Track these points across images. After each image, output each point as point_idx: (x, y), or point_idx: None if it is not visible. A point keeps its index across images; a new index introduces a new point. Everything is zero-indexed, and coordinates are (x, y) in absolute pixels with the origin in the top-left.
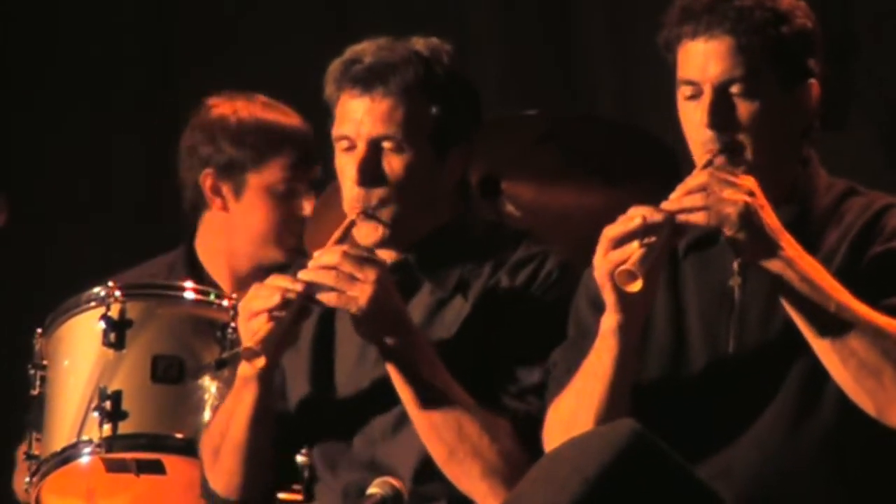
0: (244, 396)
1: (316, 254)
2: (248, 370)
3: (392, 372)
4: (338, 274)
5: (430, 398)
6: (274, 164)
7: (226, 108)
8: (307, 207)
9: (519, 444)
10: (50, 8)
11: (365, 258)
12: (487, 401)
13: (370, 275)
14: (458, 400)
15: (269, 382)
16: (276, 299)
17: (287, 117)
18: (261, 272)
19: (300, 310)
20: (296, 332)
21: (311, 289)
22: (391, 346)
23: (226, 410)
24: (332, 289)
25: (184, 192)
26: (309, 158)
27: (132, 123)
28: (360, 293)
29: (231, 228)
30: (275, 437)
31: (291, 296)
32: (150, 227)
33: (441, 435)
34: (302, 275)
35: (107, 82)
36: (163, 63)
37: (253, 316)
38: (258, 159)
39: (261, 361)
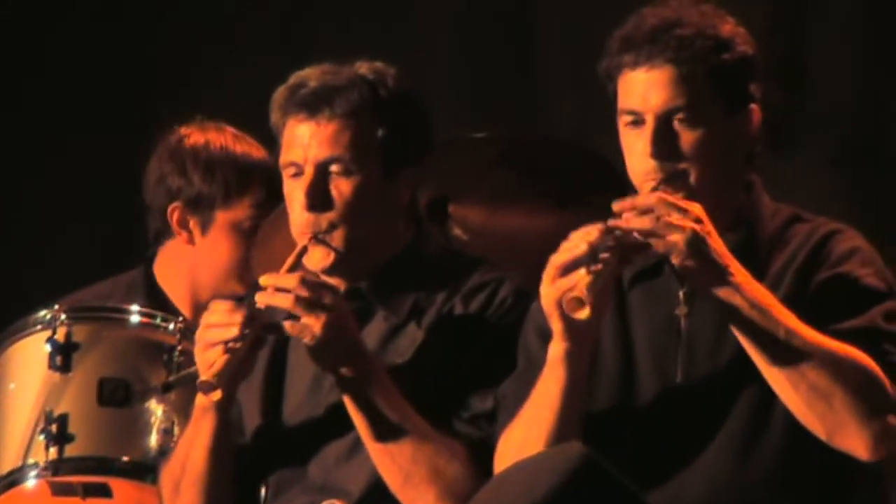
0: (203, 427)
1: (270, 280)
2: (205, 400)
3: (347, 399)
4: (294, 301)
5: (384, 424)
6: (243, 201)
7: (197, 138)
8: None
9: (473, 470)
10: (34, 25)
11: (320, 285)
12: (441, 426)
13: (326, 302)
14: (413, 425)
15: (227, 412)
16: (232, 331)
17: (257, 151)
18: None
19: (255, 340)
20: (251, 361)
21: (265, 318)
22: (346, 374)
23: (185, 442)
24: (287, 316)
25: (149, 217)
26: (276, 194)
27: (107, 145)
28: (316, 321)
29: (195, 260)
30: (235, 471)
31: (245, 326)
32: (123, 242)
33: (396, 460)
34: (258, 300)
35: (80, 106)
36: (136, 85)
37: (208, 347)
38: (228, 196)
39: (217, 394)
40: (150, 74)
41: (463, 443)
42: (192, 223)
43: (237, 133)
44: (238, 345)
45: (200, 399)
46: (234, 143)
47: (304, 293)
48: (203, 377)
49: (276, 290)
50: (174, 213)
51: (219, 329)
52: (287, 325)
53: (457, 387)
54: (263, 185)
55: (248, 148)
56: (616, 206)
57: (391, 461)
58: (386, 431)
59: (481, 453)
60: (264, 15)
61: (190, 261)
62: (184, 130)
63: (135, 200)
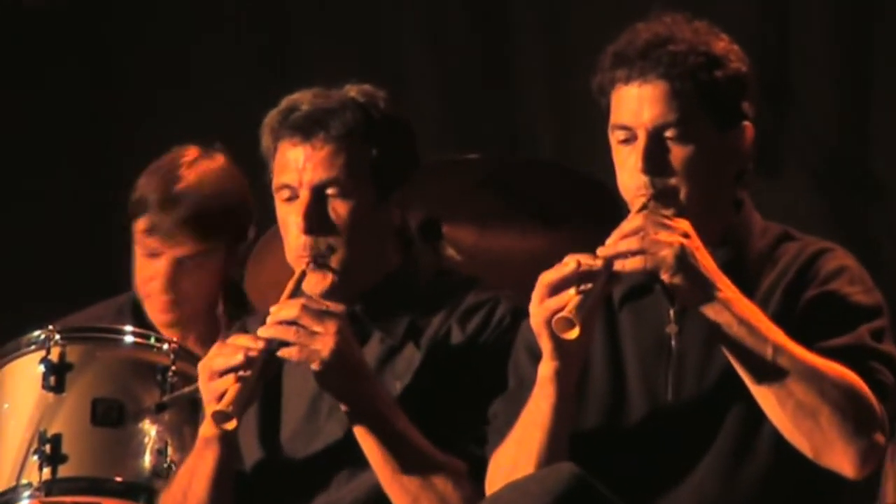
0: (206, 456)
1: (273, 309)
2: (210, 430)
3: (354, 423)
4: (298, 329)
5: (392, 447)
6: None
7: (191, 176)
8: None
9: (480, 492)
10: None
11: (324, 311)
12: (443, 448)
13: (331, 327)
14: (419, 447)
15: (231, 442)
16: (238, 358)
17: (245, 189)
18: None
19: (263, 367)
20: (258, 390)
21: (272, 345)
22: (353, 397)
23: (187, 471)
24: (293, 343)
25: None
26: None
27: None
28: (323, 346)
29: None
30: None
31: (254, 354)
32: (93, 271)
33: (405, 484)
34: (262, 332)
35: (52, 133)
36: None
37: (215, 376)
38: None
39: (232, 424)
40: (111, 115)
41: (468, 462)
42: None
43: (226, 172)
44: (248, 372)
45: (205, 429)
46: (231, 182)
47: (306, 322)
48: (218, 407)
49: (280, 321)
50: None
51: (225, 357)
52: (294, 350)
53: (459, 408)
54: (251, 224)
55: (239, 186)
56: (607, 242)
57: (399, 484)
58: (394, 455)
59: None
60: (241, 51)
61: None
62: (183, 161)
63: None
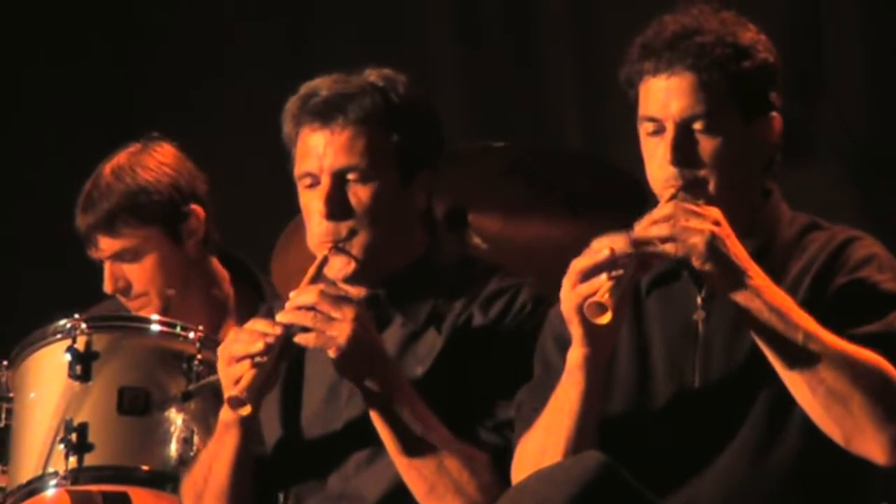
0: (226, 441)
1: (292, 294)
2: (229, 415)
3: (371, 409)
4: (316, 314)
5: (409, 434)
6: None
7: (104, 178)
8: None
9: (498, 479)
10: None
11: (342, 297)
12: (462, 434)
13: (348, 313)
14: (437, 435)
15: (250, 427)
16: (258, 345)
17: (172, 170)
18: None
19: (281, 353)
20: (276, 375)
21: (290, 330)
22: (370, 384)
23: (208, 455)
24: (310, 329)
25: None
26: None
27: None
28: (339, 332)
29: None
30: (255, 481)
31: (271, 340)
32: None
33: (421, 470)
34: (280, 317)
35: (76, 120)
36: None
37: (233, 361)
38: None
39: (247, 410)
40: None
41: (487, 451)
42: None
43: (147, 159)
44: (265, 358)
45: (224, 414)
46: (135, 174)
47: (324, 308)
48: (232, 392)
49: (298, 307)
50: None
51: (242, 344)
52: (312, 336)
53: (479, 395)
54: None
55: (152, 176)
56: (636, 228)
57: (416, 472)
58: (411, 441)
59: (506, 462)
60: (266, 35)
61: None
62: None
63: None
